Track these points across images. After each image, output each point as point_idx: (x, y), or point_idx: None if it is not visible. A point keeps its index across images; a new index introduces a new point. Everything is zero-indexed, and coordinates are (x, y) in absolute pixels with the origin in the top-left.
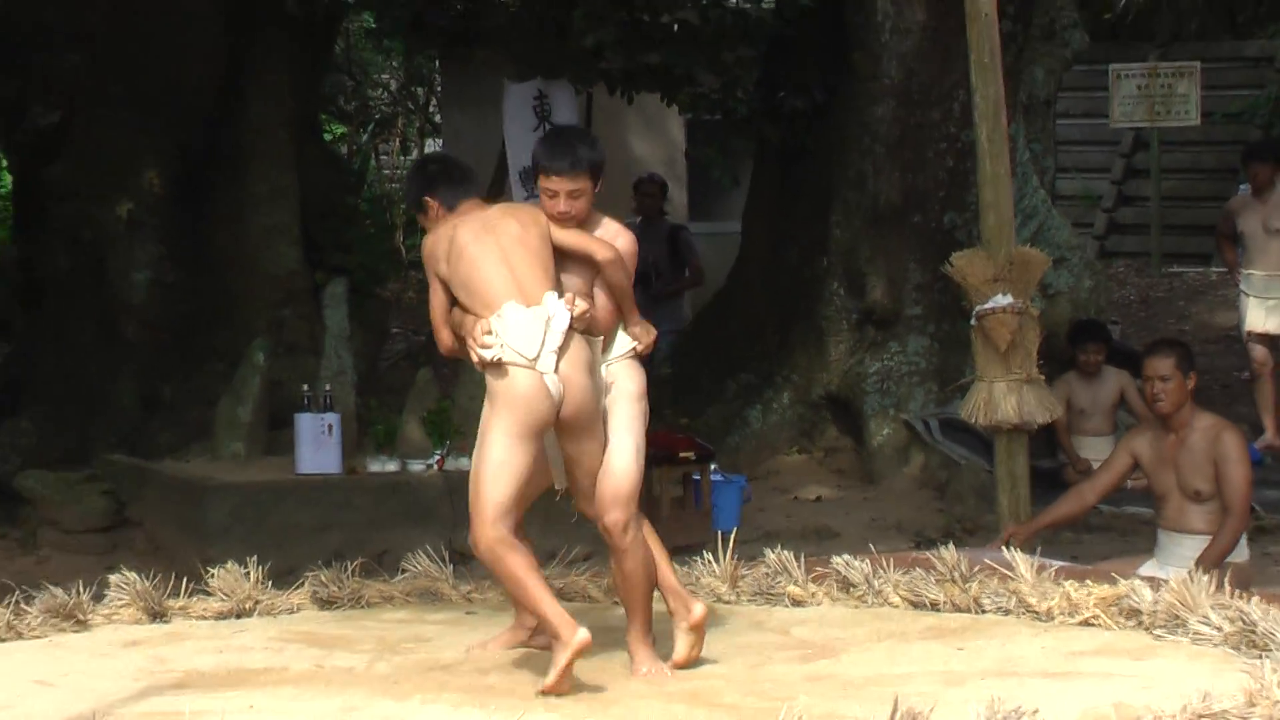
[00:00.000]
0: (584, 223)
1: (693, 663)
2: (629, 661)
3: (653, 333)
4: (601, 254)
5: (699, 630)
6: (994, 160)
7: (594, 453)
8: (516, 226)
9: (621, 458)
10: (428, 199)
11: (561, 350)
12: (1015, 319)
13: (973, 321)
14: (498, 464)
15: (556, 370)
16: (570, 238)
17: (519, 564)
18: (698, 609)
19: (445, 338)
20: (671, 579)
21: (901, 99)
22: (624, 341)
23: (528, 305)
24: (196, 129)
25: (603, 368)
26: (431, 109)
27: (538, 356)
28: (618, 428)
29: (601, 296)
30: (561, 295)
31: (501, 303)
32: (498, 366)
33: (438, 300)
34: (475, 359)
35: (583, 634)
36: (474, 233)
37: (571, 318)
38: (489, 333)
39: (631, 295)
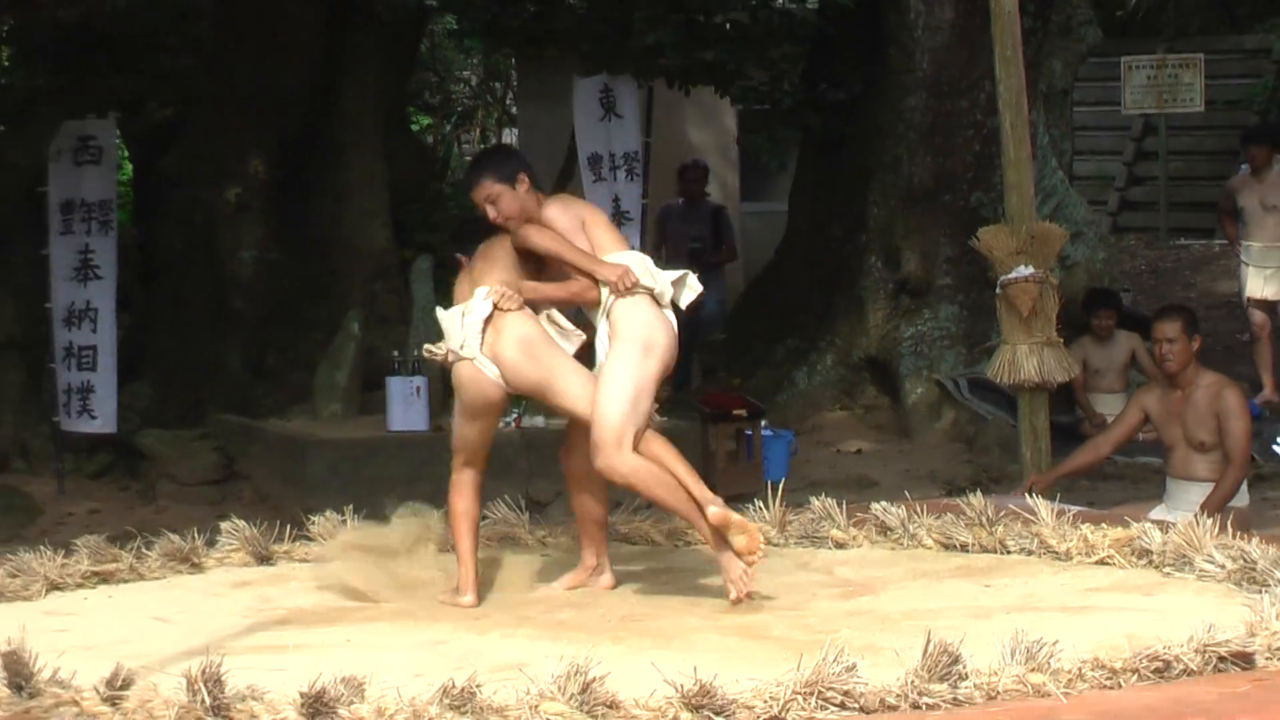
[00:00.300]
0: (528, 211)
1: (753, 551)
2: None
3: (619, 269)
4: (515, 240)
5: (742, 527)
6: (1016, 145)
7: (569, 405)
8: (497, 241)
9: (599, 405)
10: (523, 174)
11: (485, 334)
12: (1036, 288)
13: (998, 290)
14: (460, 437)
15: (483, 351)
16: (516, 240)
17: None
18: (711, 511)
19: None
20: (697, 487)
21: (932, 90)
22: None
23: (455, 305)
24: (297, 121)
25: (604, 318)
26: (508, 102)
27: (462, 345)
28: (605, 373)
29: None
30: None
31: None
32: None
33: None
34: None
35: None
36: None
37: (493, 305)
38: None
39: (571, 251)
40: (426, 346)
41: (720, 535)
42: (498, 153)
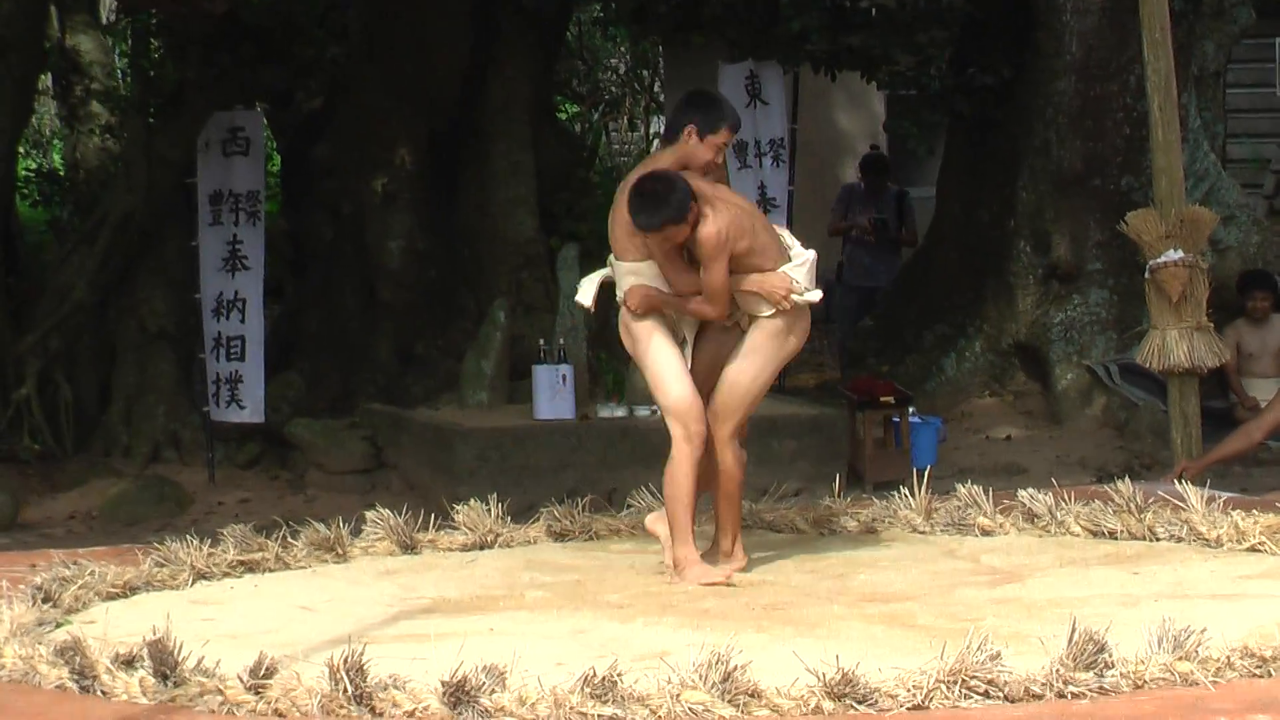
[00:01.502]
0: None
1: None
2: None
3: (784, 282)
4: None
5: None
6: (1165, 128)
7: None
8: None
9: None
10: (690, 204)
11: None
12: (1186, 272)
13: (1147, 275)
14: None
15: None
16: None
17: None
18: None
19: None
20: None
21: (1081, 73)
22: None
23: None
24: (444, 111)
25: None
26: (656, 89)
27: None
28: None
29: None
30: None
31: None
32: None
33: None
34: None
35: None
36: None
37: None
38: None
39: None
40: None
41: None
42: (663, 191)
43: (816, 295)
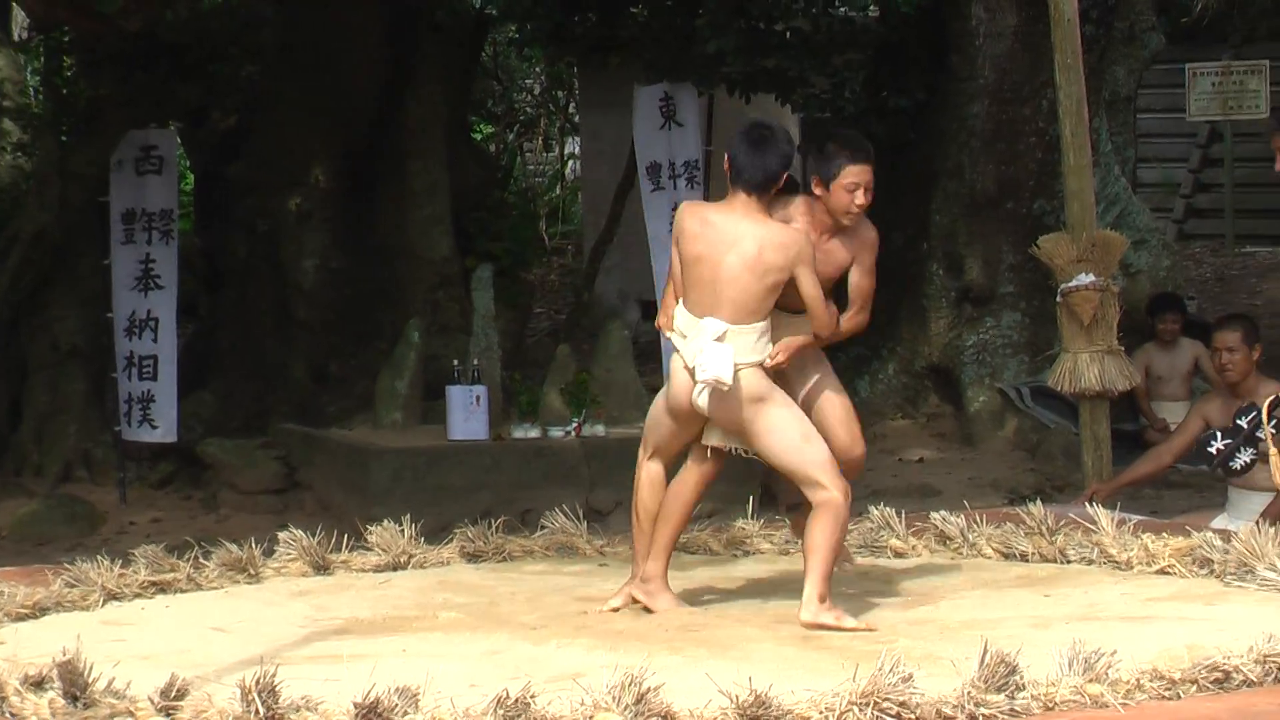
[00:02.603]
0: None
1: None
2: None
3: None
4: (819, 326)
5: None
6: (1077, 152)
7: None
8: (745, 258)
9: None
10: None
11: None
12: (1097, 295)
13: (1059, 298)
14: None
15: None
16: (810, 292)
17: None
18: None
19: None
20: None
21: (995, 97)
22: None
23: (698, 311)
24: (360, 130)
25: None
26: (571, 110)
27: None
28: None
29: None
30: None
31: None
32: None
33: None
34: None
35: None
36: (708, 229)
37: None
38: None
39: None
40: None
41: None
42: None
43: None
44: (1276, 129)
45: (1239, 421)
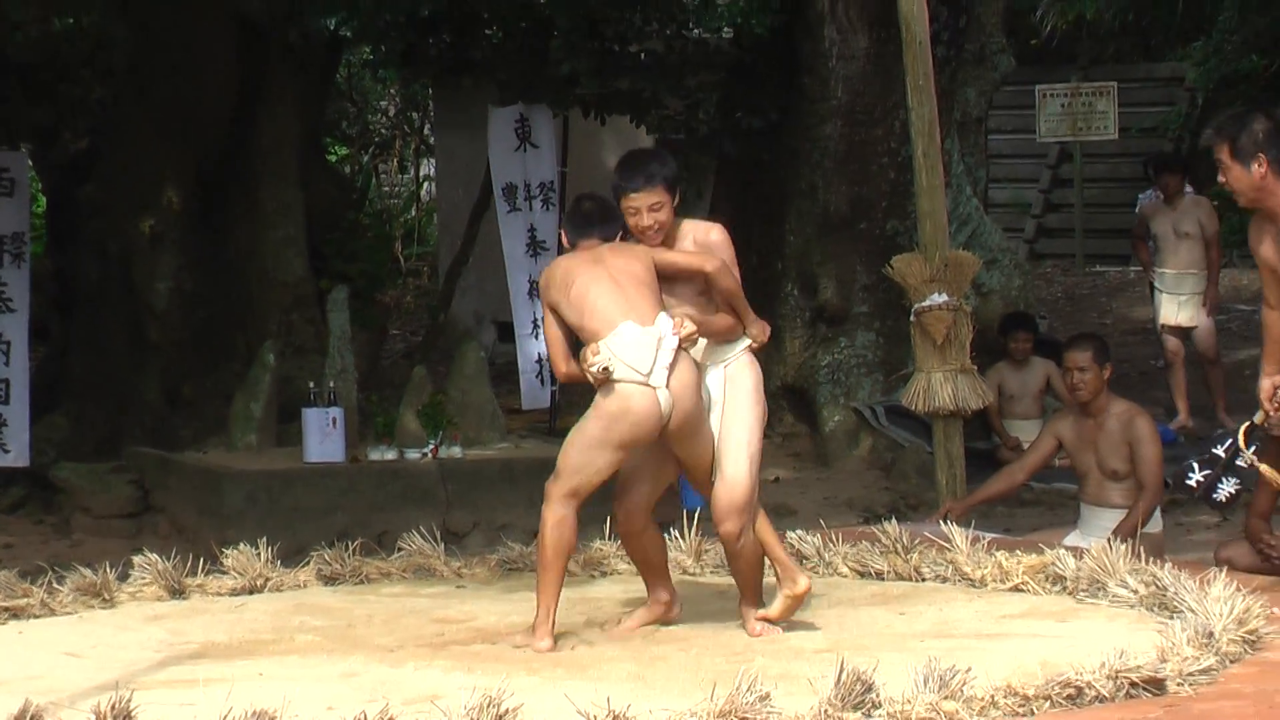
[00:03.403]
0: (669, 231)
1: (782, 620)
2: (741, 625)
3: (767, 330)
4: (708, 265)
5: (798, 600)
6: (929, 173)
7: (702, 453)
8: (623, 260)
9: (736, 466)
10: (561, 231)
11: (672, 367)
12: (950, 315)
13: (912, 318)
14: (585, 465)
15: (668, 386)
16: (673, 257)
17: (558, 541)
18: (802, 582)
19: (561, 366)
20: (780, 553)
21: (847, 118)
22: (740, 340)
23: (642, 325)
24: (212, 151)
25: (722, 366)
26: (426, 132)
27: (650, 372)
28: (734, 431)
29: (717, 311)
30: (671, 317)
31: (619, 322)
32: (610, 383)
33: (552, 331)
34: (592, 379)
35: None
36: (583, 263)
37: (680, 338)
38: (596, 352)
39: (742, 295)
40: (591, 356)
41: (782, 582)
42: (668, 160)
43: (633, 374)
44: (1218, 140)
45: (1215, 450)
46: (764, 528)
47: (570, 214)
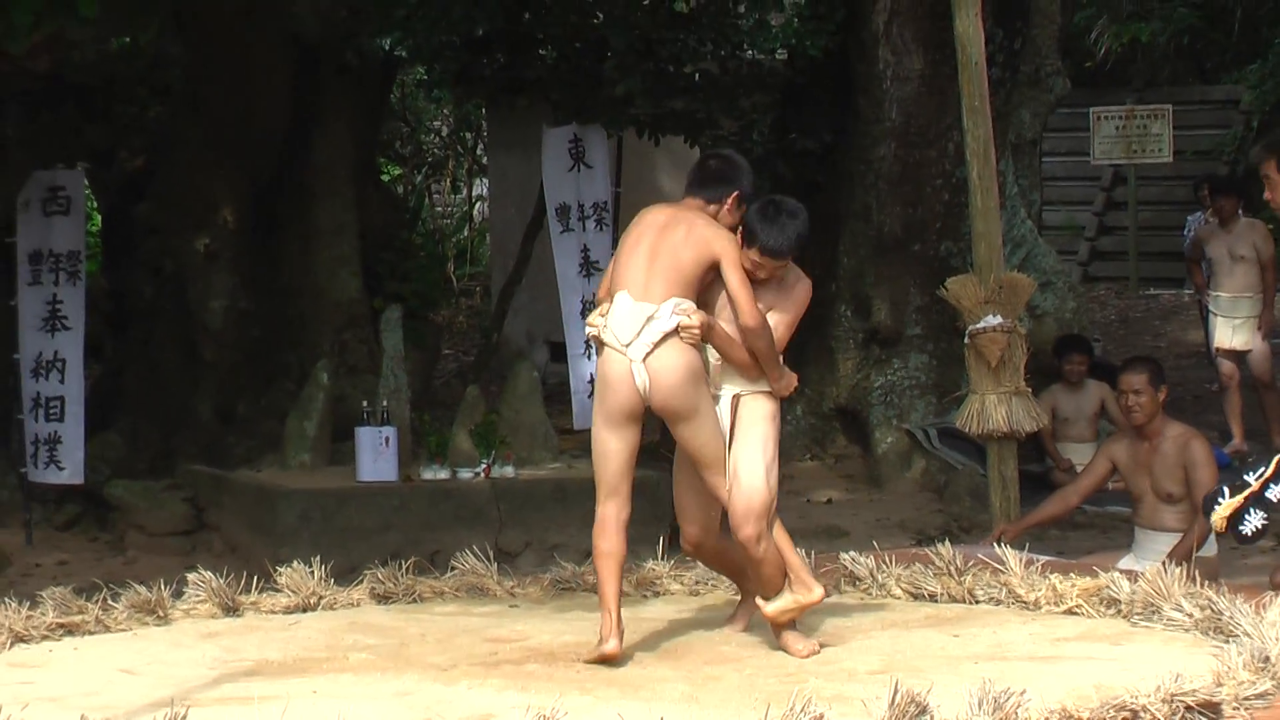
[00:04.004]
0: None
1: (779, 618)
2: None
3: (792, 385)
4: (745, 320)
5: (803, 606)
6: (984, 195)
7: (704, 444)
8: (683, 239)
9: (750, 473)
10: None
11: (657, 346)
12: (1004, 337)
13: (966, 340)
14: (596, 455)
15: (645, 361)
16: (735, 287)
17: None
18: (816, 591)
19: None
20: (795, 560)
21: (901, 139)
22: (764, 382)
23: (638, 299)
24: (267, 171)
25: (731, 395)
26: (479, 152)
27: (629, 344)
28: (748, 442)
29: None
30: (685, 311)
31: (620, 289)
32: (601, 347)
33: None
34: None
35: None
36: (653, 220)
37: (679, 325)
38: (602, 315)
39: (771, 358)
40: (591, 320)
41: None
42: (803, 224)
43: (614, 341)
44: (1266, 156)
45: (1245, 477)
46: (779, 533)
47: (692, 168)
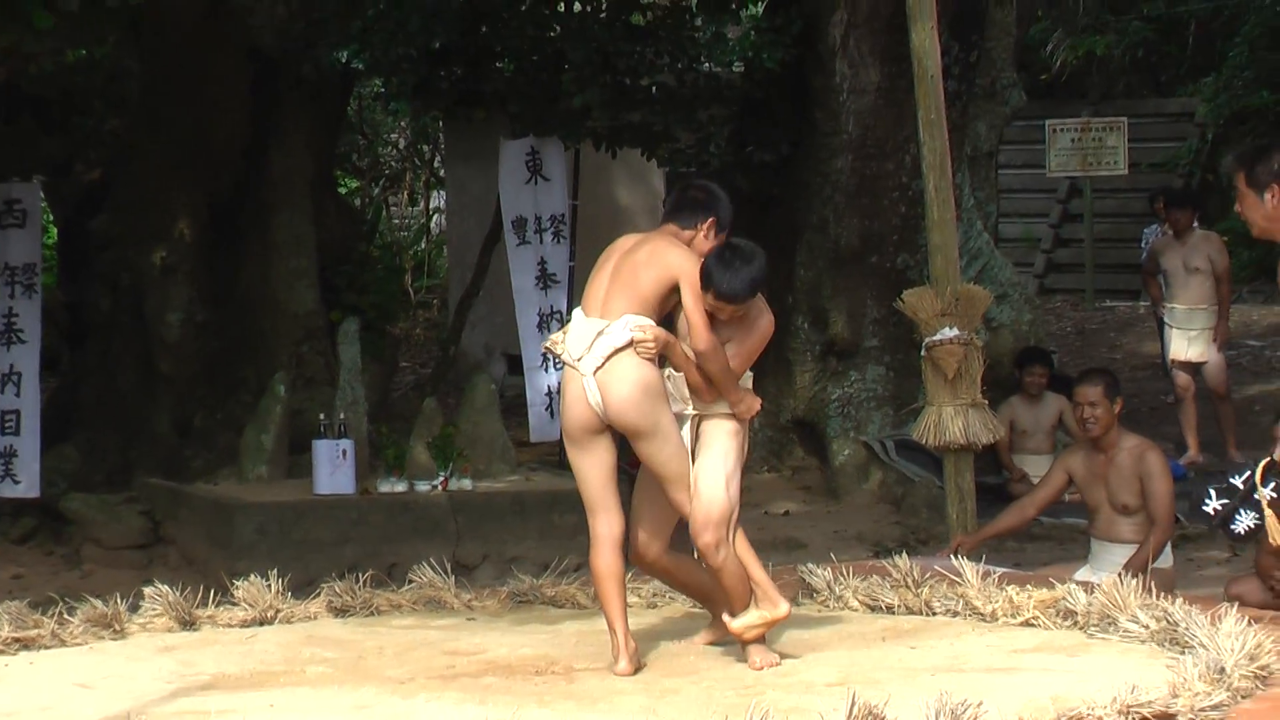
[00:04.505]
0: None
1: (745, 633)
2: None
3: (754, 408)
4: (698, 344)
5: (769, 622)
6: (941, 207)
7: (654, 456)
8: (642, 257)
9: (710, 483)
10: None
11: (608, 360)
12: (961, 349)
13: (923, 352)
14: (575, 476)
15: (595, 375)
16: (690, 310)
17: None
18: (783, 607)
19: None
20: (761, 575)
21: (858, 152)
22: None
23: (590, 315)
24: (224, 183)
25: (701, 414)
26: (437, 164)
27: (581, 358)
28: (710, 455)
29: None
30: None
31: (579, 308)
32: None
33: None
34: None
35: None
36: (623, 246)
37: (633, 339)
38: (564, 332)
39: (727, 381)
40: (552, 337)
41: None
42: (761, 262)
43: (569, 357)
44: (1236, 168)
45: (1232, 480)
46: (744, 549)
47: (673, 195)
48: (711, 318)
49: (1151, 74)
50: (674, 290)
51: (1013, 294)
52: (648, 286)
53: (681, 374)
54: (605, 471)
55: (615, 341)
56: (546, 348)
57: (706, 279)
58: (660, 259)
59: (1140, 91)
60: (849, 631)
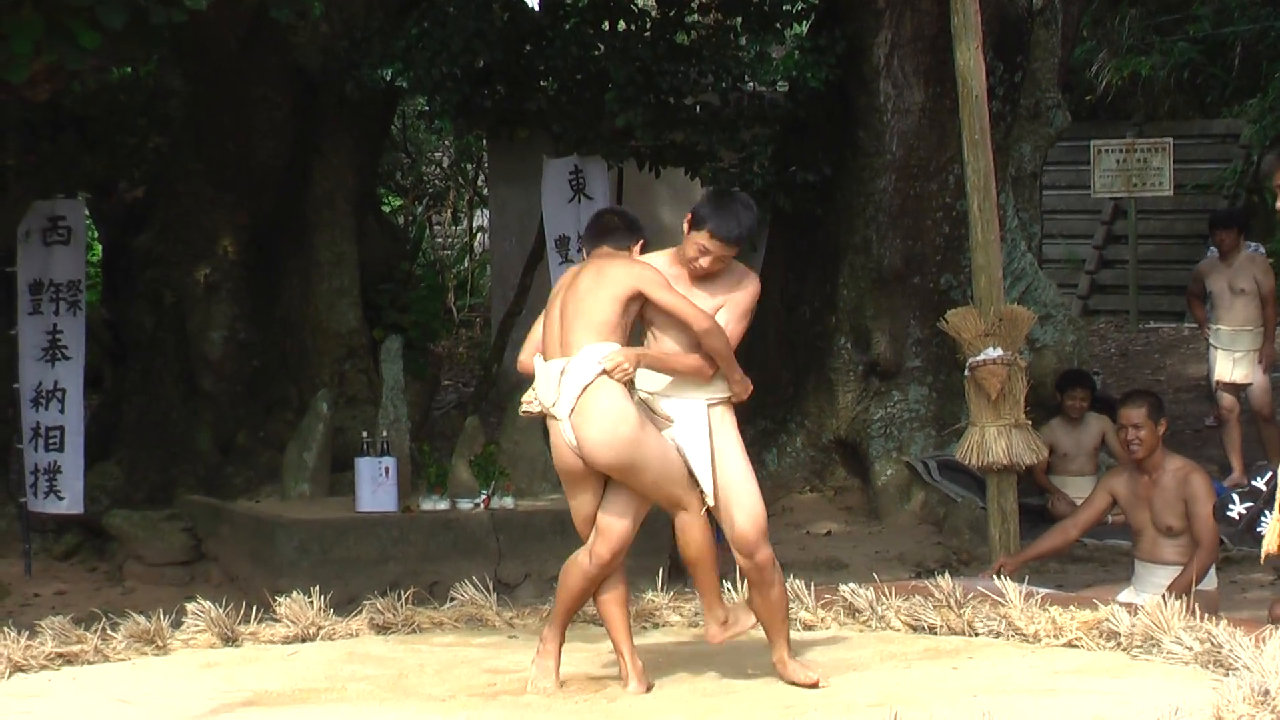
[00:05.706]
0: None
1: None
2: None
3: (749, 389)
4: (698, 325)
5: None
6: (984, 228)
7: (638, 489)
8: (589, 283)
9: (751, 497)
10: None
11: (580, 400)
12: (1004, 370)
13: (966, 372)
14: (570, 505)
15: (569, 417)
16: (674, 303)
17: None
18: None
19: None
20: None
21: (902, 172)
22: (722, 387)
23: (549, 358)
24: (267, 201)
25: (704, 402)
26: (480, 183)
27: (555, 403)
28: (737, 467)
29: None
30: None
31: (545, 355)
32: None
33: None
34: None
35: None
36: (569, 282)
37: (604, 370)
38: (530, 390)
39: (730, 358)
40: (524, 398)
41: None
42: (754, 216)
43: (546, 407)
44: (1276, 166)
45: (1255, 482)
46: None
47: (590, 224)
48: (692, 275)
49: (1196, 95)
50: (633, 302)
51: (1056, 315)
52: (603, 309)
53: (652, 394)
54: (599, 503)
55: (582, 378)
56: (523, 412)
57: (699, 220)
58: (607, 277)
59: (1185, 113)
60: (891, 652)
